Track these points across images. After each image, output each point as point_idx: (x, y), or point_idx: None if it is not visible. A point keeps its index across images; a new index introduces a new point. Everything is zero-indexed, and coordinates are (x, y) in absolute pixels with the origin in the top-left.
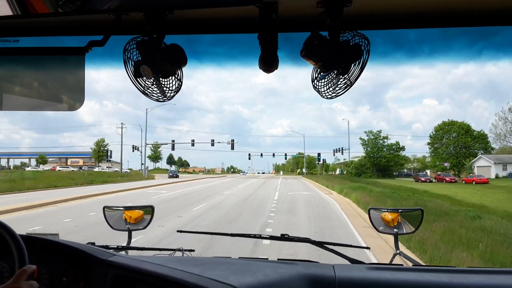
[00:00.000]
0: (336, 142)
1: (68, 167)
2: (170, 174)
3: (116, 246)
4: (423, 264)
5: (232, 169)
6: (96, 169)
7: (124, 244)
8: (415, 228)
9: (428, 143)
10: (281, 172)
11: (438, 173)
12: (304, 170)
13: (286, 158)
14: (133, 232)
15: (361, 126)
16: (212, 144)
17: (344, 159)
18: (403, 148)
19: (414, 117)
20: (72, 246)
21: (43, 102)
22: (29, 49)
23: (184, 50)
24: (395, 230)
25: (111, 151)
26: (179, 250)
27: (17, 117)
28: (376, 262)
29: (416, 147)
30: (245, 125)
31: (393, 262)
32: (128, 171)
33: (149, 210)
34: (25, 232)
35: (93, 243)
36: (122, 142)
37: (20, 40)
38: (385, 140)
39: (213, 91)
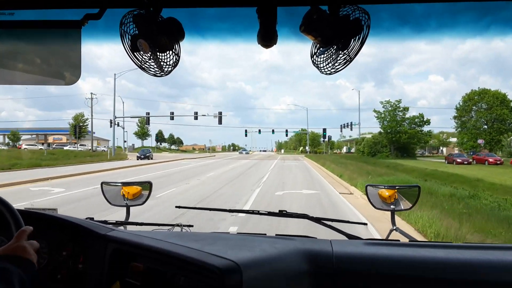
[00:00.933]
0: (340, 119)
1: (36, 145)
2: (139, 155)
3: (115, 221)
4: (420, 240)
5: (233, 147)
6: (67, 147)
7: (123, 219)
8: (412, 204)
9: (455, 117)
10: (282, 151)
11: (477, 152)
12: (307, 148)
13: (287, 135)
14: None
15: (366, 102)
16: (196, 118)
17: (350, 136)
18: (427, 122)
19: (419, 93)
20: (70, 221)
21: (38, 77)
22: (24, 22)
23: (182, 24)
24: (391, 206)
25: (88, 127)
26: (177, 225)
27: (20, 93)
28: (373, 237)
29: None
30: (248, 102)
31: (389, 238)
32: (105, 149)
33: (147, 186)
34: (23, 207)
35: (91, 218)
36: (92, 115)
37: (15, 13)
38: (405, 112)
39: (217, 68)
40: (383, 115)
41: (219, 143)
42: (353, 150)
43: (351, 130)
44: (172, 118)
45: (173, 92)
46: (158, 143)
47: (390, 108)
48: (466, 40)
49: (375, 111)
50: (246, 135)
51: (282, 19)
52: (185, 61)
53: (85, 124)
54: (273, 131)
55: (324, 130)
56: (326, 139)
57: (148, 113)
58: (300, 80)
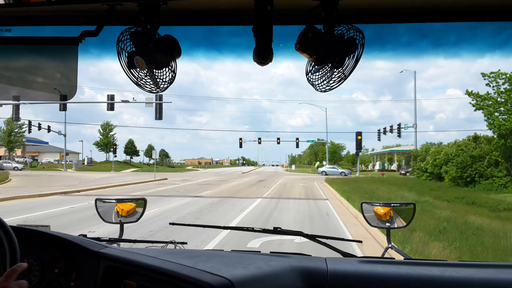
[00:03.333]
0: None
1: None
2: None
3: (108, 238)
4: (415, 258)
5: (243, 160)
6: None
7: (116, 237)
8: (407, 222)
9: None
10: (293, 166)
11: None
12: (324, 163)
13: (298, 146)
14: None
15: (382, 116)
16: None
17: (384, 147)
18: None
19: (437, 108)
20: (63, 238)
21: (35, 93)
22: (21, 38)
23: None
24: (387, 224)
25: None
26: (171, 242)
27: (39, 108)
28: (368, 255)
29: (440, 138)
30: (264, 116)
31: (385, 256)
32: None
33: (142, 202)
34: (16, 223)
35: (84, 235)
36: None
37: (12, 29)
38: None
39: (233, 82)
40: (493, 100)
41: (225, 156)
42: (393, 167)
43: (399, 136)
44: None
45: (190, 105)
46: (129, 157)
47: (508, 86)
48: (485, 54)
49: (472, 94)
50: (240, 146)
51: (278, 37)
52: (202, 75)
53: (21, 133)
54: (278, 140)
55: (359, 135)
56: (359, 148)
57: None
58: (316, 93)
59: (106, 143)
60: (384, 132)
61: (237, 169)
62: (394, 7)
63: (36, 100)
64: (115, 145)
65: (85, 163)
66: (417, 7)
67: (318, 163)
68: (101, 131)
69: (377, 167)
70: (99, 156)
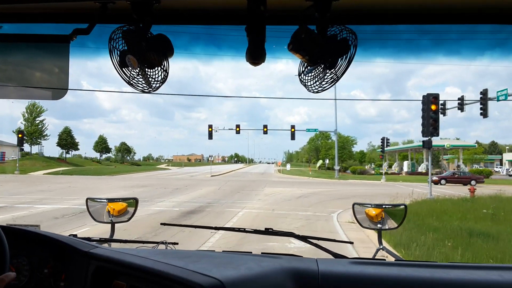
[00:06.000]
0: (356, 132)
1: None
2: None
3: (98, 238)
4: (406, 259)
5: (236, 158)
6: None
7: (107, 237)
8: (398, 224)
9: None
10: (288, 166)
11: None
12: (337, 165)
13: (293, 138)
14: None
15: (381, 114)
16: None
17: (403, 143)
18: None
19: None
20: (53, 238)
21: (26, 91)
22: (12, 35)
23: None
24: (378, 225)
25: None
26: (162, 243)
27: (37, 103)
28: (359, 256)
29: (439, 136)
30: (262, 113)
31: (376, 257)
32: None
33: (133, 202)
34: (5, 223)
35: (75, 235)
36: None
37: (3, 26)
38: None
39: (232, 78)
40: None
41: (216, 153)
42: (422, 168)
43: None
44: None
45: (189, 102)
46: (65, 151)
47: None
48: (485, 52)
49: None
50: (210, 138)
51: (271, 37)
52: (201, 71)
53: None
54: (265, 129)
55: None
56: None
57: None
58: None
59: (32, 132)
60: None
61: (218, 168)
62: (388, 8)
63: (27, 98)
64: (44, 135)
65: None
66: (411, 9)
67: (320, 161)
68: (26, 115)
69: (405, 168)
70: (52, 150)
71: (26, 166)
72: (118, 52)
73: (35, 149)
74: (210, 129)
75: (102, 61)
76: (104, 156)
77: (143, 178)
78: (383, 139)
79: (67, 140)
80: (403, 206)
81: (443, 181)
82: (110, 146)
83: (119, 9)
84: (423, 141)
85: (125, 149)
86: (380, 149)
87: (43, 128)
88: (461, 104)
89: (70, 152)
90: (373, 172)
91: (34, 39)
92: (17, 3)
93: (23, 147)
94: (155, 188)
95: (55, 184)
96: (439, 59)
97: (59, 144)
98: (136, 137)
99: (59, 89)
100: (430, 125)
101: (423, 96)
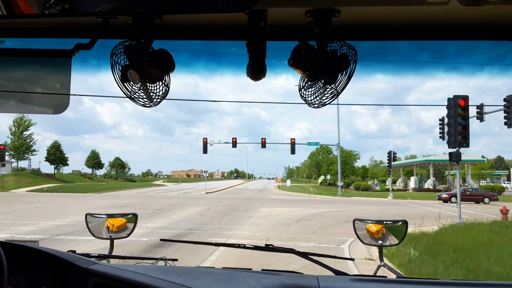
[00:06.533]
0: (357, 146)
1: None
2: None
3: (97, 255)
4: (407, 276)
5: (236, 174)
6: None
7: (106, 253)
8: (399, 240)
9: None
10: (288, 182)
11: None
12: (340, 181)
13: (293, 151)
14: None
15: (382, 129)
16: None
17: (406, 158)
18: None
19: (436, 121)
20: (51, 254)
21: (27, 105)
22: (15, 50)
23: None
24: (379, 242)
25: None
26: (161, 259)
27: (37, 118)
28: (360, 274)
29: (438, 151)
30: (263, 128)
31: (377, 274)
32: None
33: (132, 218)
34: (4, 239)
35: (73, 251)
36: None
37: (5, 41)
38: None
39: (232, 94)
40: None
41: (215, 168)
42: (429, 184)
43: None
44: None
45: (189, 117)
46: (54, 166)
47: None
48: (485, 67)
49: None
50: (204, 152)
51: (271, 53)
52: (201, 86)
53: None
54: (263, 143)
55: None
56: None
57: None
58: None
59: (19, 146)
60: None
61: (216, 184)
62: (388, 24)
63: (28, 112)
64: (32, 150)
65: None
66: (410, 26)
67: (322, 177)
68: (13, 128)
69: (412, 184)
70: (46, 166)
71: (10, 182)
72: (120, 67)
73: (25, 164)
74: (205, 141)
75: (104, 76)
76: (97, 171)
77: (128, 196)
78: (389, 153)
79: (55, 155)
80: (403, 222)
81: (453, 199)
82: (102, 162)
83: (121, 24)
84: (450, 154)
85: (119, 165)
86: (386, 164)
87: (31, 143)
88: (480, 113)
89: (60, 167)
90: (377, 188)
91: (36, 54)
92: (19, 18)
93: (4, 162)
94: (134, 209)
95: (22, 204)
96: (438, 75)
97: (47, 159)
98: (137, 153)
99: (60, 104)
100: (459, 133)
101: (448, 99)
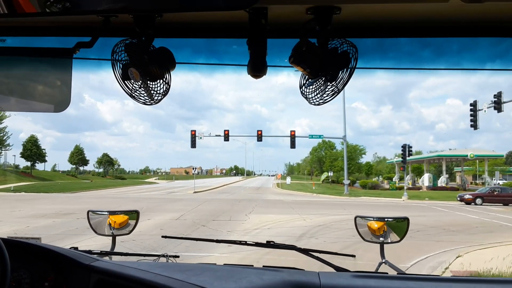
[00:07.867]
0: (358, 142)
1: None
2: None
3: (99, 251)
4: (408, 273)
5: (235, 171)
6: None
7: (108, 249)
8: (401, 237)
9: None
10: (288, 179)
11: None
12: (346, 178)
13: (294, 146)
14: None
15: (383, 126)
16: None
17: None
18: None
19: (437, 117)
20: (54, 251)
21: (28, 103)
22: (15, 49)
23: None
24: (381, 239)
25: None
26: (163, 256)
27: (39, 115)
28: (361, 270)
29: (439, 148)
30: (264, 125)
31: (378, 271)
32: None
33: (134, 215)
34: (6, 236)
35: (76, 248)
36: None
37: (6, 39)
38: None
39: (233, 91)
40: None
41: (214, 165)
42: (442, 181)
43: None
44: None
45: (190, 114)
46: (30, 163)
47: None
48: (486, 63)
49: None
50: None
51: (272, 50)
52: (202, 83)
53: None
54: (259, 136)
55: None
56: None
57: None
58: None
59: None
60: (499, 107)
61: (210, 182)
62: (388, 21)
63: (29, 111)
64: (6, 145)
65: None
66: (412, 22)
67: (325, 174)
68: None
69: (425, 182)
70: (48, 164)
71: None
72: (121, 65)
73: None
74: (193, 133)
75: (105, 74)
76: (85, 168)
77: (98, 197)
78: (404, 146)
79: (32, 151)
80: (405, 219)
81: (478, 200)
82: (87, 158)
83: (121, 22)
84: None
85: (107, 161)
86: (391, 160)
87: (5, 137)
88: (498, 102)
89: (36, 164)
90: (387, 186)
91: (37, 52)
92: (20, 17)
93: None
94: (71, 218)
95: None
96: (440, 71)
97: (23, 155)
98: (138, 150)
99: (61, 102)
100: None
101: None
